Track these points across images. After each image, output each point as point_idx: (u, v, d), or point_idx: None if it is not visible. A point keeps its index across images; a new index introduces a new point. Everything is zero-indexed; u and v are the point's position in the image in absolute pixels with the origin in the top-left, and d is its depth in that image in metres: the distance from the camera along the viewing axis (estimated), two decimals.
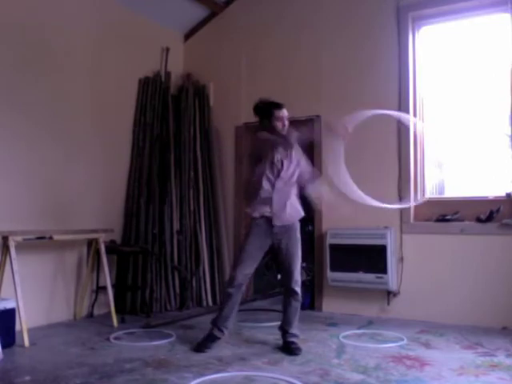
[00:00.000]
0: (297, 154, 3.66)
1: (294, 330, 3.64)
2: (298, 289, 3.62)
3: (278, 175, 3.58)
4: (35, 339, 3.81)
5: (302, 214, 3.70)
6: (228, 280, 3.73)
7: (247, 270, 3.60)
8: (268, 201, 3.57)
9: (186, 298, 5.24)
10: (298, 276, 3.62)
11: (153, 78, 5.63)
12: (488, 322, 4.25)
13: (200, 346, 3.60)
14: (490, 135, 4.76)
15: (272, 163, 3.59)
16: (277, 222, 3.57)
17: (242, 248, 3.69)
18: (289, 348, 3.55)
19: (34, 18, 4.44)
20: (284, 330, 3.65)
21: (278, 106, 3.63)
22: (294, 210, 3.63)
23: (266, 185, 3.58)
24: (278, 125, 3.58)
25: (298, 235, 3.67)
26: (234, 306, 3.64)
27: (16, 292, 3.76)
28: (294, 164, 3.64)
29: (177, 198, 5.43)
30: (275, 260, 3.81)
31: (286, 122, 3.61)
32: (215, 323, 3.68)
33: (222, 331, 3.66)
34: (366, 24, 5.07)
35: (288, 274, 3.62)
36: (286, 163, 3.60)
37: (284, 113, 3.61)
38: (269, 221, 3.57)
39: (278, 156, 3.59)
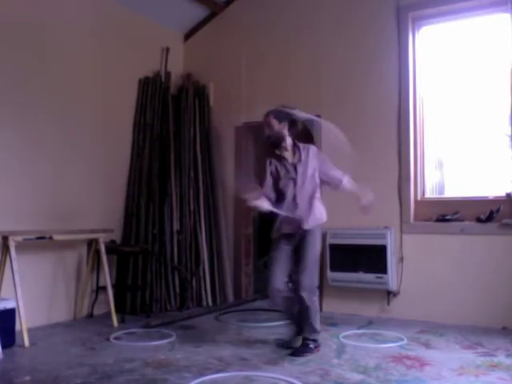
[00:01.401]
0: (312, 157, 3.61)
1: (305, 333, 3.55)
2: (306, 293, 3.47)
3: (295, 184, 3.56)
4: (35, 339, 3.81)
5: (322, 219, 3.61)
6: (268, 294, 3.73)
7: (280, 277, 3.56)
8: (289, 215, 3.53)
9: (186, 298, 5.24)
10: (306, 281, 3.49)
11: (153, 78, 5.63)
12: (488, 322, 4.24)
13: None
14: (490, 135, 4.75)
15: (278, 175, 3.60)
16: (296, 230, 3.54)
17: (270, 259, 3.67)
18: (296, 349, 3.53)
19: (34, 18, 4.44)
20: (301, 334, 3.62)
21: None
22: (316, 214, 3.57)
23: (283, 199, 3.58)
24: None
25: (313, 240, 3.55)
26: (291, 310, 3.63)
27: (16, 292, 3.76)
28: (311, 166, 3.58)
29: (177, 197, 5.43)
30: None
31: (267, 130, 3.61)
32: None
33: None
34: (366, 24, 5.07)
35: (297, 279, 3.55)
36: (298, 168, 3.57)
37: (265, 119, 3.63)
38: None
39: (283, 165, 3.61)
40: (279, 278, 3.54)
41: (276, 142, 3.63)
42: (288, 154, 3.63)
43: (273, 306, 3.89)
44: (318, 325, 3.58)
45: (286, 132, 3.61)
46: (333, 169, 3.65)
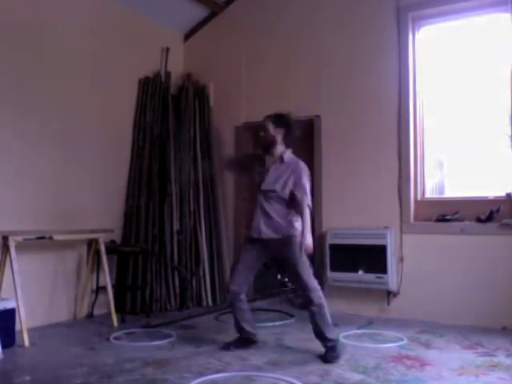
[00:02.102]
0: (291, 173, 3.54)
1: (327, 335, 3.46)
2: (312, 294, 3.45)
3: (259, 188, 3.62)
4: (35, 339, 3.81)
5: (293, 229, 3.50)
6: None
7: (240, 279, 3.61)
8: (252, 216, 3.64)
9: (186, 298, 5.24)
10: (308, 283, 3.47)
11: (153, 78, 5.63)
12: (488, 322, 4.24)
13: (227, 345, 3.65)
14: (491, 135, 4.75)
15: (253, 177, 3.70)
16: (254, 235, 3.58)
17: (235, 261, 3.71)
18: (323, 356, 3.42)
19: (34, 18, 4.44)
20: (319, 339, 3.52)
21: None
22: (279, 224, 3.51)
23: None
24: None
25: (297, 247, 3.47)
26: (242, 312, 3.64)
27: (16, 292, 3.76)
28: (283, 178, 3.54)
29: (177, 198, 5.43)
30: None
31: (262, 132, 3.66)
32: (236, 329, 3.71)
33: (244, 333, 3.67)
34: (365, 24, 5.07)
35: (297, 284, 3.60)
36: (269, 174, 3.59)
37: (263, 122, 3.69)
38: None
39: (259, 168, 3.68)
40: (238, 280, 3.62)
41: (266, 146, 3.64)
42: (271, 160, 3.63)
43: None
44: (329, 330, 3.49)
45: (278, 139, 3.60)
46: (301, 194, 3.48)
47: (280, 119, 3.62)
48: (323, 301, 3.49)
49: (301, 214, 3.46)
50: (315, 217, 5.19)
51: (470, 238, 4.45)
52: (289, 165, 3.58)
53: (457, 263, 4.49)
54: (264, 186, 3.57)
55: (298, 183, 3.51)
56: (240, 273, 3.63)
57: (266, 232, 3.54)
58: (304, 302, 3.59)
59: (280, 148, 3.61)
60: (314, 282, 3.52)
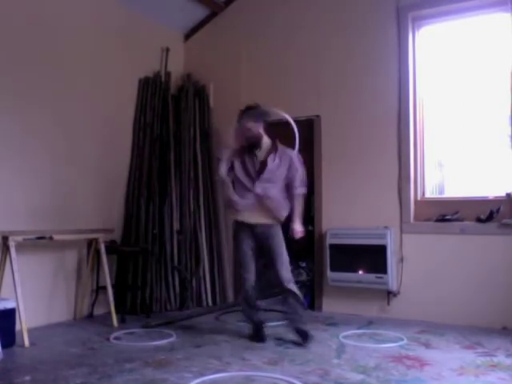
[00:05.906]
0: (285, 161, 3.76)
1: (299, 324, 3.75)
2: (293, 286, 3.73)
3: (258, 176, 3.75)
4: (35, 339, 3.81)
5: (281, 215, 3.77)
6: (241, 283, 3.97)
7: (251, 268, 3.87)
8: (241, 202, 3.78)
9: (186, 298, 5.24)
10: (287, 274, 3.74)
11: (153, 78, 5.63)
12: (488, 322, 4.24)
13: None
14: (491, 135, 4.75)
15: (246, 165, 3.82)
16: (244, 219, 3.76)
17: (238, 251, 3.93)
18: (301, 335, 3.69)
19: (33, 18, 4.44)
20: (293, 328, 3.77)
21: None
22: (272, 211, 3.74)
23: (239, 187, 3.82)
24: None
25: (281, 236, 3.77)
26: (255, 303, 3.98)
27: (16, 292, 3.76)
28: (282, 167, 3.76)
29: (177, 198, 5.43)
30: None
31: (248, 133, 3.78)
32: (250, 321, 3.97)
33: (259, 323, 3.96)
34: (365, 24, 5.06)
35: (275, 274, 3.74)
36: (268, 164, 3.74)
37: (244, 125, 3.79)
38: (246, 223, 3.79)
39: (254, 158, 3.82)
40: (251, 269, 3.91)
41: (255, 143, 3.78)
42: (261, 153, 3.78)
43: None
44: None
45: (262, 132, 3.77)
46: (296, 178, 3.77)
47: (256, 114, 3.77)
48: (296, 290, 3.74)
49: (294, 202, 3.76)
50: (315, 216, 5.22)
51: (470, 238, 4.45)
52: (282, 154, 3.78)
53: (457, 263, 4.49)
54: (266, 175, 3.72)
55: (295, 176, 3.76)
56: (249, 263, 3.85)
57: (258, 218, 3.73)
58: (283, 293, 3.78)
59: (265, 139, 3.80)
60: (288, 274, 3.75)
